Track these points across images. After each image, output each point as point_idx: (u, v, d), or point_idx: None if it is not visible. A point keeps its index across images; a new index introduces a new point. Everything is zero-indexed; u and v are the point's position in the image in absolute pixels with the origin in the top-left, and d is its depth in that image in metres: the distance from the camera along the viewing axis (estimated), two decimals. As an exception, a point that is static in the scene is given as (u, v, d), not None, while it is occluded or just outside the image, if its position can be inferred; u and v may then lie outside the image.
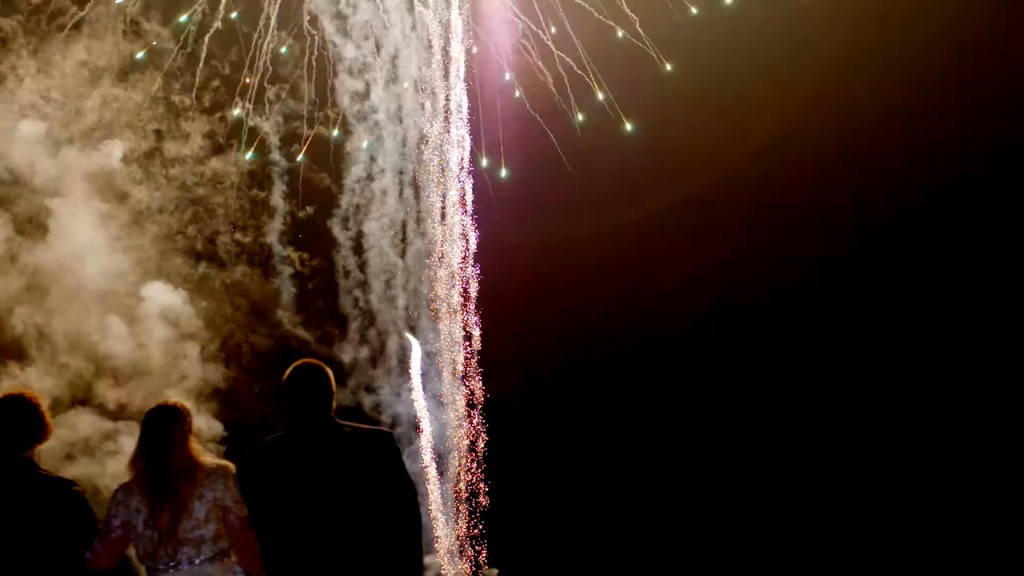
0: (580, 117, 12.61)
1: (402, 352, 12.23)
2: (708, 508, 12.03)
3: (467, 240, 12.31)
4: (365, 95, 12.15)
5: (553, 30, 12.25)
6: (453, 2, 11.57)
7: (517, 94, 12.52)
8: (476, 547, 11.94)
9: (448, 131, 12.14)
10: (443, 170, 12.32)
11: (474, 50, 12.11)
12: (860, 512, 11.68)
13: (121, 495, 5.76)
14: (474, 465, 12.07)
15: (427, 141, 12.19)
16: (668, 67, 12.31)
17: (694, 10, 11.90)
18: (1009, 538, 10.58)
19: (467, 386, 12.23)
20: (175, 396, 6.76)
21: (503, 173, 12.61)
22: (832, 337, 12.32)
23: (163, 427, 5.81)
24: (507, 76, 12.40)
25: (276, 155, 12.48)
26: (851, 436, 11.96)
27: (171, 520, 5.68)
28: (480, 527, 12.06)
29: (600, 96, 12.40)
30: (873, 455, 11.80)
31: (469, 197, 12.34)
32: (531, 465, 12.48)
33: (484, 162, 12.62)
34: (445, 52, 11.85)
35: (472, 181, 12.39)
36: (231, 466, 5.88)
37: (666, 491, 12.28)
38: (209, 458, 5.90)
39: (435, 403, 12.22)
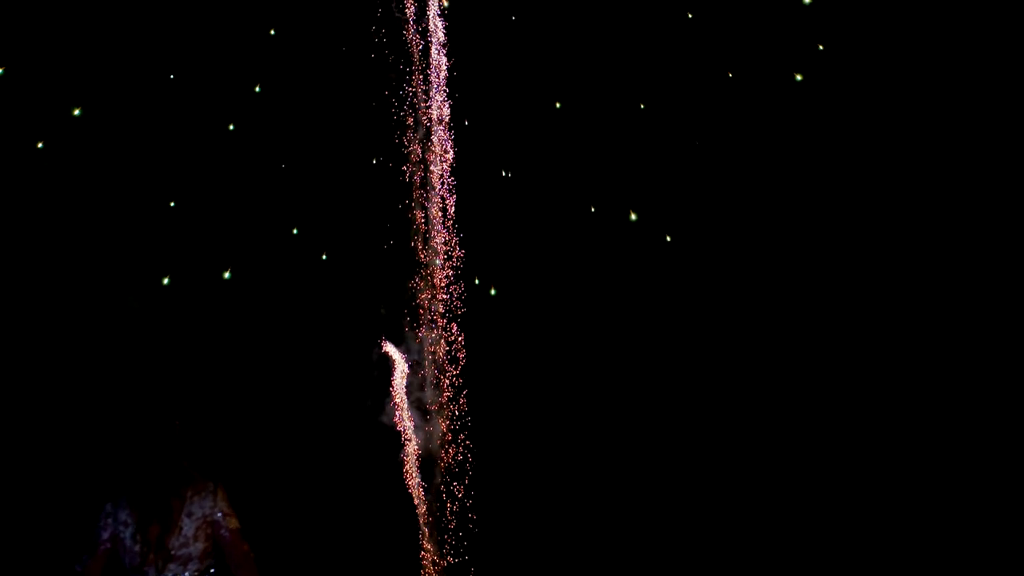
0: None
1: (384, 362, 12.12)
2: (702, 523, 12.02)
3: (452, 254, 12.23)
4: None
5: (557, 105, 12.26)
6: (432, 7, 11.45)
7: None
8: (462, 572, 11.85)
9: (432, 143, 12.07)
10: (425, 184, 12.25)
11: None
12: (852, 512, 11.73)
13: (109, 508, 5.71)
14: (461, 487, 11.98)
15: (409, 153, 12.11)
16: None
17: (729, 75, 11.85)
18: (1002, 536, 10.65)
19: (453, 407, 12.14)
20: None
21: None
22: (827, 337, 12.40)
23: (153, 438, 5.74)
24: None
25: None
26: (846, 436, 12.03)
27: (160, 532, 5.61)
28: (465, 553, 11.98)
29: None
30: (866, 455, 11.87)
31: (452, 211, 12.25)
32: (519, 484, 12.43)
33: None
34: (424, 60, 11.77)
35: (455, 195, 12.32)
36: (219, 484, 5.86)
37: (657, 501, 12.27)
38: (198, 475, 5.85)
39: (420, 415, 12.12)
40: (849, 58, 11.65)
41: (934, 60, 11.55)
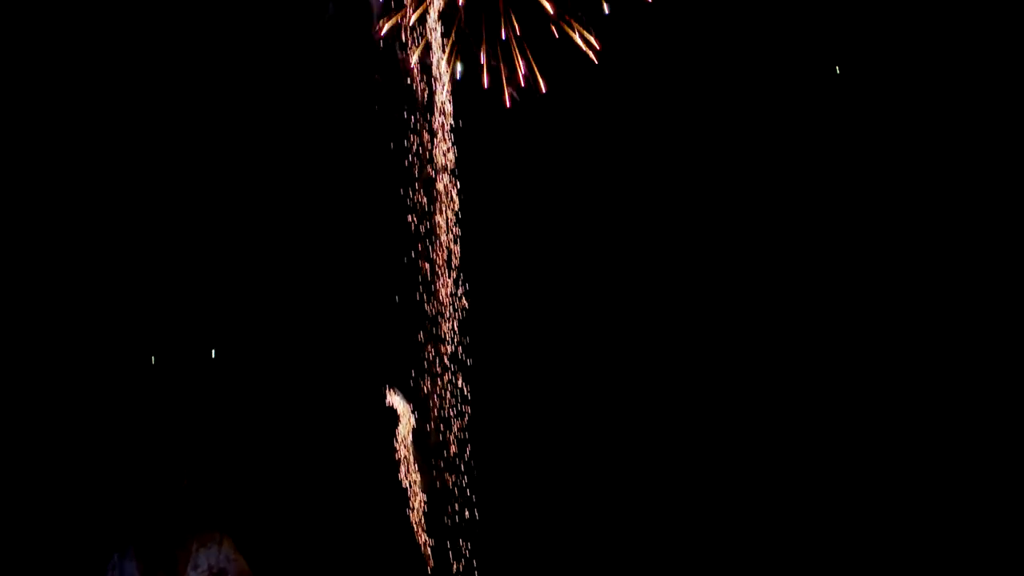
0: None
1: (390, 414, 11.96)
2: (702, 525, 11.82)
3: (455, 303, 12.13)
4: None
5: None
6: (435, 46, 11.44)
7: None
8: None
9: (437, 195, 12.00)
10: (429, 237, 12.16)
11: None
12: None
13: (116, 559, 5.67)
14: (468, 546, 11.80)
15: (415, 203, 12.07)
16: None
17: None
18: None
19: (459, 463, 11.96)
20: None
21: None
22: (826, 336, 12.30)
23: (159, 493, 5.77)
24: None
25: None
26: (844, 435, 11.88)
27: (165, 582, 5.49)
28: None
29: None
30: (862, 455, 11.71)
31: (457, 258, 12.18)
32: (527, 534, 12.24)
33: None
34: (430, 99, 11.72)
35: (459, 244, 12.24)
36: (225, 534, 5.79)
37: (657, 504, 12.07)
38: (204, 525, 5.83)
39: (426, 460, 11.94)
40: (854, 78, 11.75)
41: (935, 66, 11.65)
